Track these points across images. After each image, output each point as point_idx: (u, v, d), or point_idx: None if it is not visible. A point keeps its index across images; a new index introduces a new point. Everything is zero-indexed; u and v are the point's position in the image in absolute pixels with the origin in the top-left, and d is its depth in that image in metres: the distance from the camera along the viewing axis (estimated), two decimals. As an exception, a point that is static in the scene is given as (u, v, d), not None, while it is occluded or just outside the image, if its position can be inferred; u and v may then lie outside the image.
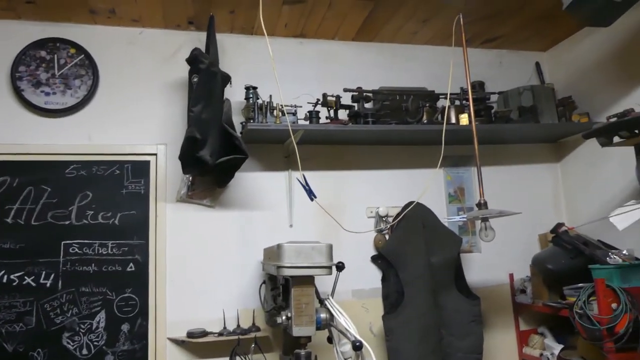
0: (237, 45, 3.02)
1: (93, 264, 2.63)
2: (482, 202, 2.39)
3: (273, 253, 2.23)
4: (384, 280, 2.97)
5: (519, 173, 3.39)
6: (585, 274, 2.62)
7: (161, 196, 2.79)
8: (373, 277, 3.02)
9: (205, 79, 2.48)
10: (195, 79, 2.51)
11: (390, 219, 3.02)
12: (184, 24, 2.88)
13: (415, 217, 2.94)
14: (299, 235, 2.90)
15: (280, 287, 2.30)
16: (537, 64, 3.48)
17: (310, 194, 2.25)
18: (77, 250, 2.62)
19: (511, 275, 3.18)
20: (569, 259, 2.83)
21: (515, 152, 3.39)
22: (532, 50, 3.53)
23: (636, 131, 2.24)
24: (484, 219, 2.36)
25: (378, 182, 3.11)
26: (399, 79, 3.19)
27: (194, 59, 2.52)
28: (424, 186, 3.06)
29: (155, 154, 2.81)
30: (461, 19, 2.52)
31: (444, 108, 3.02)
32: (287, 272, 2.06)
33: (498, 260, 3.21)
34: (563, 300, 2.81)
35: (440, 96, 3.06)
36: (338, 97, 2.76)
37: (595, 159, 3.12)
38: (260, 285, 2.74)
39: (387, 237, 3.01)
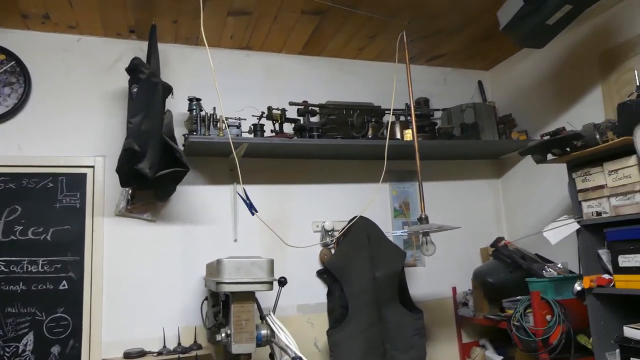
0: (181, 55, 2.96)
1: (21, 283, 2.48)
2: (423, 216, 2.42)
3: (213, 268, 2.18)
4: (329, 294, 2.95)
5: (462, 188, 3.47)
6: (523, 287, 2.70)
7: (98, 210, 2.67)
8: (319, 291, 3.00)
9: (146, 89, 2.41)
10: (135, 89, 2.43)
11: (337, 233, 3.02)
12: (124, 33, 2.80)
13: (360, 231, 2.95)
14: (244, 250, 2.85)
15: (221, 303, 2.24)
16: (480, 83, 3.59)
17: (251, 208, 2.21)
18: (2, 268, 2.46)
19: (454, 289, 3.24)
20: (508, 272, 2.91)
21: (459, 168, 3.48)
22: (475, 69, 3.65)
23: (567, 149, 2.34)
24: (425, 234, 2.39)
25: (324, 196, 3.11)
26: (346, 94, 3.21)
27: (133, 69, 2.45)
28: (370, 200, 3.08)
29: (93, 167, 2.70)
30: (404, 37, 2.57)
31: (389, 123, 3.07)
32: (227, 288, 2.01)
33: (441, 273, 3.26)
34: (502, 312, 2.88)
35: (386, 111, 3.10)
36: (283, 111, 2.74)
37: (534, 175, 3.23)
38: (202, 302, 2.66)
39: (333, 251, 3.01)
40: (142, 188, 2.61)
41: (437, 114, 3.31)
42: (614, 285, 2.25)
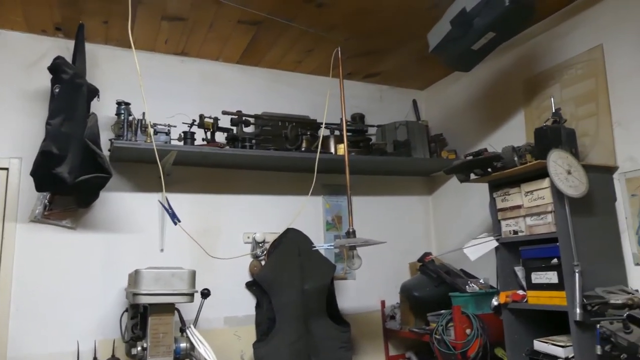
0: (113, 57, 2.86)
1: None
2: (351, 230, 2.44)
3: (132, 279, 2.09)
4: (258, 307, 2.91)
5: (394, 204, 3.55)
6: (447, 301, 2.79)
7: (11, 215, 2.51)
8: (248, 303, 2.95)
9: (68, 90, 2.30)
10: (57, 90, 2.32)
11: (267, 245, 2.99)
12: (50, 30, 2.67)
13: (291, 243, 2.94)
14: (171, 261, 2.76)
15: (139, 315, 2.15)
16: (414, 102, 3.71)
17: (174, 218, 2.15)
18: None
19: (382, 302, 3.28)
20: (434, 287, 2.99)
21: (392, 184, 3.55)
22: (411, 88, 3.76)
23: (488, 170, 2.44)
24: (351, 247, 2.42)
25: (257, 207, 3.08)
26: (282, 106, 3.21)
27: (56, 68, 2.33)
28: (302, 213, 3.09)
29: (7, 169, 2.54)
30: (339, 53, 2.60)
31: (323, 137, 3.10)
32: (144, 300, 1.94)
33: (371, 287, 3.31)
34: (427, 326, 2.95)
35: (322, 125, 3.12)
36: (216, 120, 2.70)
37: (462, 193, 3.35)
38: (122, 314, 2.54)
39: (263, 263, 2.97)
40: (60, 193, 2.48)
41: (373, 130, 3.38)
42: (527, 301, 2.36)
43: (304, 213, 3.14)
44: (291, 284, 2.80)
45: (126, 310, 2.49)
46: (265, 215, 3.08)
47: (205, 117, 2.67)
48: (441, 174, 3.53)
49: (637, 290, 2.20)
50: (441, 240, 3.58)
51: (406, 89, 3.76)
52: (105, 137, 2.61)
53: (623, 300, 1.97)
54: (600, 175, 2.37)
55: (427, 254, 3.16)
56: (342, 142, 3.03)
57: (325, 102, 3.21)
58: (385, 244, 3.39)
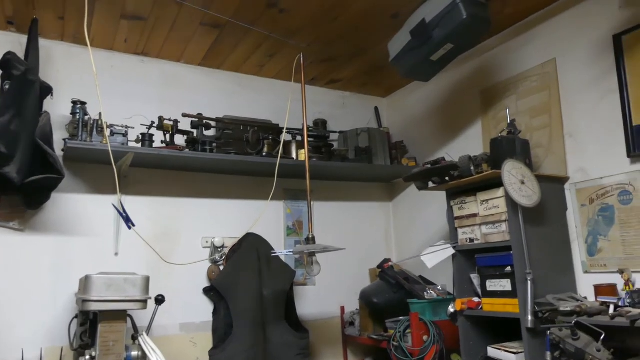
0: (69, 54, 2.77)
1: None
2: (310, 236, 2.43)
3: (82, 285, 2.02)
4: (215, 313, 2.86)
5: (355, 209, 3.57)
6: (406, 308, 2.81)
7: (-47, 216, 2.39)
8: (205, 309, 2.90)
9: (19, 87, 2.21)
10: (7, 86, 2.23)
11: (227, 250, 2.95)
12: (1, 24, 2.56)
13: (250, 248, 2.91)
14: (126, 265, 2.69)
15: (89, 322, 2.07)
16: (376, 109, 3.74)
17: (128, 222, 2.09)
18: None
19: (342, 308, 3.28)
20: (393, 293, 3.01)
21: (353, 190, 3.57)
22: (373, 95, 3.80)
23: (446, 178, 2.49)
24: (310, 254, 2.41)
25: (216, 211, 3.03)
26: (245, 110, 3.18)
27: (6, 64, 2.24)
28: (262, 217, 3.06)
29: (-49, 167, 2.40)
30: (302, 59, 2.60)
31: (285, 142, 3.09)
32: (94, 307, 1.88)
33: (331, 293, 3.31)
34: (386, 332, 2.97)
35: (284, 130, 3.11)
36: (176, 122, 2.65)
37: (422, 200, 3.40)
38: (71, 321, 2.44)
39: (222, 268, 2.93)
40: (7, 194, 2.37)
41: (335, 136, 3.39)
42: (482, 308, 2.41)
43: (264, 218, 3.11)
44: (249, 289, 2.76)
45: (76, 317, 2.40)
46: (224, 219, 3.04)
47: (164, 119, 2.62)
48: (401, 180, 3.58)
49: (585, 298, 2.28)
50: (401, 246, 3.62)
51: (369, 96, 3.79)
52: (59, 137, 2.52)
53: (572, 308, 2.03)
54: (553, 186, 2.44)
55: (386, 260, 3.19)
56: (304, 147, 3.04)
57: (287, 107, 3.22)
58: (346, 250, 3.43)
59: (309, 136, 3.16)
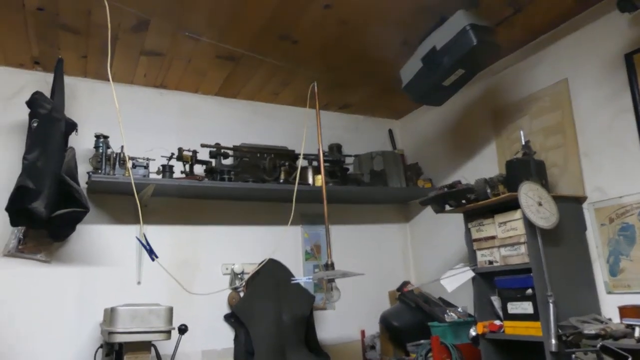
0: (91, 90, 2.87)
1: None
2: (329, 262, 2.45)
3: (108, 316, 2.06)
4: (236, 339, 2.88)
5: (372, 232, 3.58)
6: (427, 331, 2.80)
7: (-16, 250, 2.46)
8: (226, 336, 2.92)
9: (45, 124, 2.30)
10: (35, 124, 2.32)
11: (246, 276, 2.98)
12: (28, 63, 2.67)
13: (269, 274, 2.94)
14: (148, 294, 2.73)
15: (114, 353, 2.11)
16: (390, 131, 3.78)
17: (151, 254, 2.13)
18: None
19: (363, 332, 3.28)
20: (413, 316, 3.00)
21: (370, 212, 3.59)
22: (386, 118, 3.84)
23: (463, 201, 2.50)
24: (330, 280, 2.43)
25: (235, 238, 3.08)
26: (261, 137, 3.24)
27: (34, 103, 2.34)
28: (281, 243, 3.09)
29: (-19, 203, 2.49)
30: (315, 87, 2.66)
31: (301, 168, 3.13)
32: (120, 339, 1.92)
33: (351, 317, 3.30)
34: (407, 356, 2.95)
35: (299, 156, 3.16)
36: (194, 152, 2.72)
37: (439, 221, 3.39)
38: (97, 350, 2.49)
39: (241, 295, 2.96)
40: (35, 228, 2.45)
41: (350, 160, 3.43)
42: (504, 331, 2.39)
43: (282, 243, 3.15)
44: (269, 315, 2.78)
45: (101, 347, 2.44)
46: (244, 246, 3.08)
47: (183, 150, 2.69)
48: (418, 203, 3.59)
49: (609, 319, 2.25)
50: (419, 268, 3.62)
51: (382, 119, 3.84)
52: (84, 170, 2.60)
53: (596, 331, 2.01)
54: (570, 206, 2.44)
55: (405, 283, 3.18)
56: (319, 172, 3.08)
57: (303, 133, 3.27)
58: (365, 273, 3.44)
59: (325, 161, 3.21)
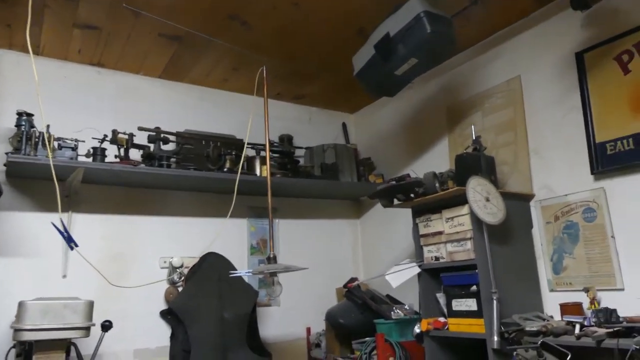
0: (16, 63, 2.62)
1: None
2: (271, 256, 2.32)
3: (18, 312, 1.86)
4: (172, 337, 2.71)
5: (323, 227, 3.48)
6: (373, 328, 2.72)
7: None
8: (162, 334, 2.74)
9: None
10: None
11: (186, 270, 2.81)
12: (-57, 31, 2.41)
13: (211, 268, 2.78)
14: (74, 288, 2.52)
15: (23, 353, 1.91)
16: (344, 125, 3.69)
17: (70, 242, 1.95)
18: None
19: (308, 329, 3.16)
20: (359, 313, 2.92)
21: (321, 207, 3.49)
22: (341, 111, 3.75)
23: (411, 195, 2.43)
24: (272, 274, 2.30)
25: (175, 230, 2.90)
26: (209, 125, 3.07)
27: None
28: (225, 236, 2.95)
29: None
30: (264, 72, 2.52)
31: (248, 158, 2.99)
32: (28, 336, 1.72)
33: (297, 313, 3.19)
34: (352, 354, 2.86)
35: (248, 146, 3.02)
36: (131, 135, 2.53)
37: (390, 218, 3.33)
38: (9, 351, 2.26)
39: (180, 290, 2.79)
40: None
41: (301, 152, 3.31)
42: (448, 328, 2.34)
43: (227, 236, 3.00)
44: (209, 312, 2.63)
45: (13, 347, 2.22)
46: (184, 238, 2.90)
47: (119, 133, 2.49)
48: (376, 199, 3.51)
49: (551, 317, 2.23)
50: (369, 265, 3.54)
51: (336, 112, 3.74)
52: (1, 150, 2.37)
53: (538, 328, 1.98)
54: (518, 203, 2.41)
55: (352, 280, 3.09)
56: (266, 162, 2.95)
57: (252, 122, 3.13)
58: (313, 269, 3.33)
59: (273, 152, 3.09)
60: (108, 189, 2.72)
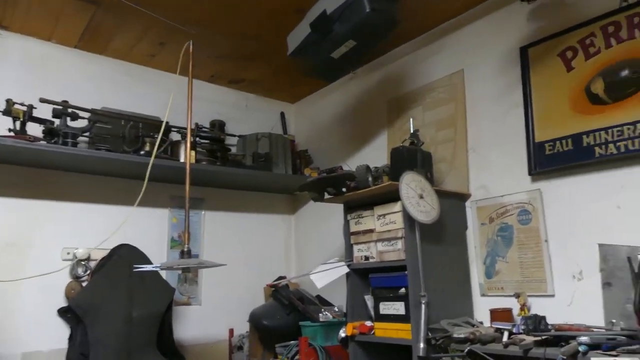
0: None
1: None
2: (185, 250, 2.08)
3: None
4: (71, 339, 2.41)
5: (254, 221, 3.27)
6: (299, 331, 2.54)
7: None
8: (60, 335, 2.43)
9: None
10: None
11: (93, 264, 2.52)
12: None
13: (122, 262, 2.50)
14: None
15: None
16: (282, 114, 3.49)
17: None
18: None
19: (231, 331, 2.94)
20: (285, 314, 2.73)
21: (254, 200, 3.27)
22: (280, 100, 3.54)
23: (343, 189, 2.26)
24: (185, 270, 2.06)
25: (82, 218, 2.59)
26: (134, 104, 2.76)
27: None
28: (143, 227, 2.68)
29: None
30: (191, 46, 2.27)
31: (173, 142, 2.74)
32: None
33: (220, 313, 2.96)
34: (275, 358, 2.67)
35: (173, 129, 2.77)
36: (30, 107, 2.22)
37: (326, 214, 3.15)
38: None
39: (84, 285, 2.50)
40: None
41: (234, 140, 3.09)
42: (374, 333, 2.19)
43: (145, 227, 2.74)
44: (115, 311, 2.35)
45: None
46: (93, 228, 2.59)
47: (14, 103, 2.18)
48: (305, 192, 3.33)
49: (481, 323, 2.12)
50: (302, 263, 3.36)
51: (276, 101, 3.53)
52: None
53: (465, 335, 1.85)
54: (454, 202, 2.30)
55: (280, 278, 2.90)
56: (194, 149, 2.72)
57: (181, 103, 2.87)
58: (241, 266, 3.12)
59: (202, 137, 2.84)
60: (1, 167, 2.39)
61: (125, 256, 2.53)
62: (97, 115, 2.46)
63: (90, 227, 2.59)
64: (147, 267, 1.95)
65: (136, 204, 2.07)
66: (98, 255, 2.53)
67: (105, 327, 2.32)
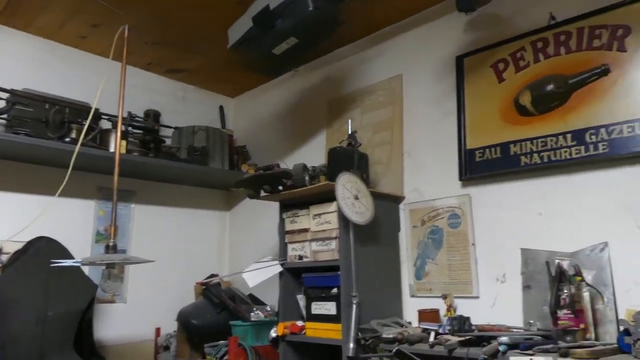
0: None
1: None
2: (111, 244, 1.97)
3: None
4: (-23, 338, 2.22)
5: (187, 217, 3.17)
6: (230, 330, 2.48)
7: None
8: (-33, 333, 2.24)
9: None
10: None
11: (6, 257, 2.33)
12: None
13: (39, 256, 2.33)
14: None
15: None
16: (221, 108, 3.41)
17: None
18: None
19: (158, 330, 2.83)
20: (216, 313, 2.66)
21: (187, 194, 3.17)
22: (220, 94, 3.46)
23: (279, 187, 2.23)
24: (109, 266, 1.96)
25: (-1, 207, 2.41)
26: (62, 87, 2.59)
27: None
28: (65, 219, 2.52)
29: None
30: (126, 31, 2.16)
31: (103, 130, 2.60)
32: None
33: (146, 312, 2.84)
34: (203, 359, 2.60)
35: (104, 116, 2.62)
36: (-61, 84, 2.02)
37: (261, 212, 3.11)
38: None
39: (-4, 279, 2.30)
40: None
41: (169, 132, 2.97)
42: (305, 333, 2.18)
43: (68, 219, 2.60)
44: (28, 308, 2.19)
45: None
46: (8, 217, 2.41)
47: None
48: (241, 189, 3.27)
49: (410, 323, 2.17)
50: (236, 261, 3.29)
51: (215, 94, 3.45)
52: None
53: (394, 335, 1.89)
54: (388, 204, 2.33)
55: (212, 276, 2.83)
56: (125, 138, 2.59)
57: (114, 90, 2.72)
58: (171, 262, 3.01)
59: (134, 127, 2.72)
60: None
61: (43, 250, 2.36)
62: (16, 97, 2.29)
63: (5, 218, 2.40)
64: (67, 262, 1.83)
65: (57, 194, 1.94)
66: (11, 247, 2.35)
67: (14, 326, 2.15)
